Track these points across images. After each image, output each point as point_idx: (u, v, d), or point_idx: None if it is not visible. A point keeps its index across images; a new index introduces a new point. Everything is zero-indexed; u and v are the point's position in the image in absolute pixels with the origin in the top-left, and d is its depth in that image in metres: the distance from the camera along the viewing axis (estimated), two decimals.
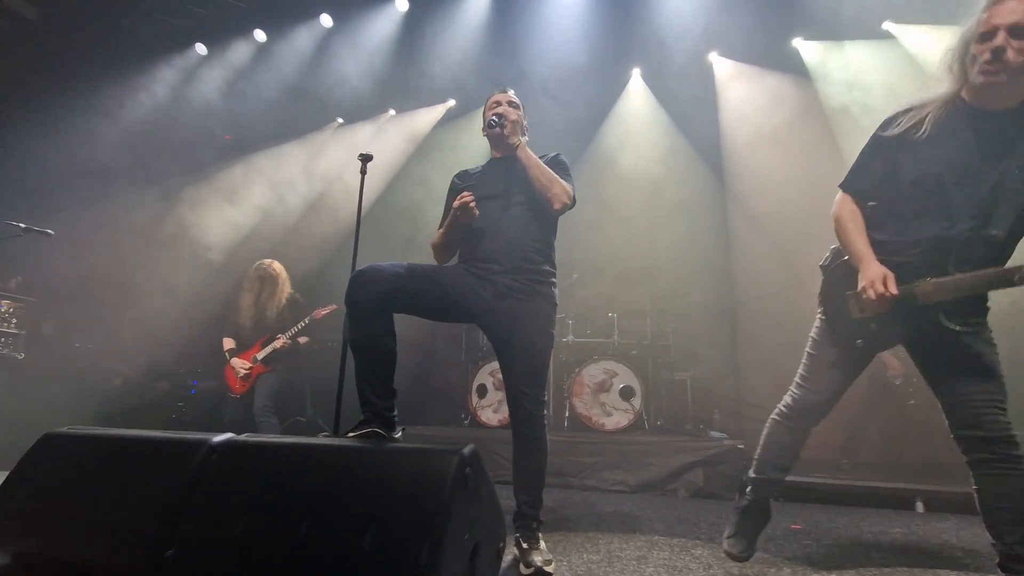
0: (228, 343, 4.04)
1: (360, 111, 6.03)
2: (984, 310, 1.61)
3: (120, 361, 4.78)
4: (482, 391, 4.54)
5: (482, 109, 2.29)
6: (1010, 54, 1.44)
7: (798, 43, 4.95)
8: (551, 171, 2.06)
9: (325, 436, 1.81)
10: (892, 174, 1.66)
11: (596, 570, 1.97)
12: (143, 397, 4.69)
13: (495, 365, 4.42)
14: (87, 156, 4.93)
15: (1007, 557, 1.51)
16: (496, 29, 5.16)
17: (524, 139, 2.10)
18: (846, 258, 1.74)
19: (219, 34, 5.49)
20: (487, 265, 2.04)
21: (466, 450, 1.24)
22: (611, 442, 3.75)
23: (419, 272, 1.93)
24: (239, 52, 5.59)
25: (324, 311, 4.06)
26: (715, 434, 4.10)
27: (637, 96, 5.76)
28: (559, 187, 2.04)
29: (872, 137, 1.73)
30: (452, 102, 6.06)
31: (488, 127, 2.15)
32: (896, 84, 4.50)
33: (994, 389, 1.55)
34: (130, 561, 1.10)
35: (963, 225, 1.54)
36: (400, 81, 5.62)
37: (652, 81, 5.67)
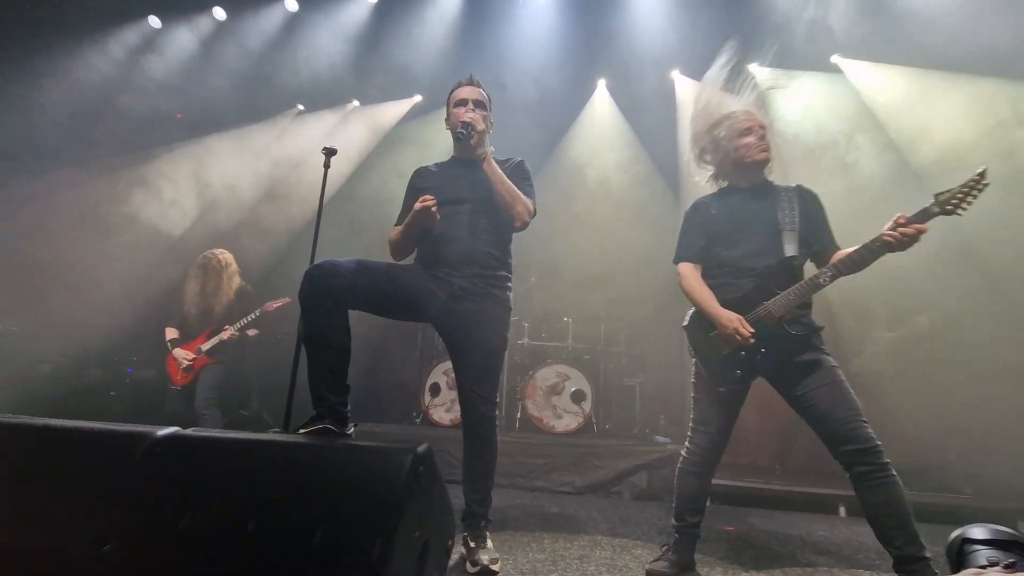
0: (171, 333, 3.88)
1: (322, 99, 5.89)
2: (816, 326, 1.92)
3: (49, 346, 4.49)
4: (435, 390, 4.53)
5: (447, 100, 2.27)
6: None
7: (753, 69, 5.17)
8: (515, 188, 2.07)
9: (275, 432, 1.78)
10: (708, 242, 2.08)
11: (540, 568, 2.02)
12: (72, 385, 4.42)
13: (449, 364, 4.38)
14: (24, 129, 4.61)
15: (900, 560, 1.67)
16: (465, 30, 5.17)
17: (490, 149, 2.10)
18: (694, 310, 2.06)
19: (175, 8, 5.24)
20: (443, 269, 2.06)
21: (420, 449, 1.25)
22: (561, 444, 3.83)
23: (375, 270, 1.92)
24: (196, 28, 5.35)
25: (276, 304, 3.96)
26: (660, 439, 4.26)
27: (602, 107, 5.90)
28: (521, 205, 2.07)
29: (686, 217, 2.18)
30: (419, 98, 6.02)
31: (456, 139, 2.15)
32: (841, 114, 4.79)
33: (851, 404, 1.77)
34: (65, 553, 1.06)
35: (770, 260, 1.93)
36: (365, 73, 5.53)
37: (616, 93, 5.81)
